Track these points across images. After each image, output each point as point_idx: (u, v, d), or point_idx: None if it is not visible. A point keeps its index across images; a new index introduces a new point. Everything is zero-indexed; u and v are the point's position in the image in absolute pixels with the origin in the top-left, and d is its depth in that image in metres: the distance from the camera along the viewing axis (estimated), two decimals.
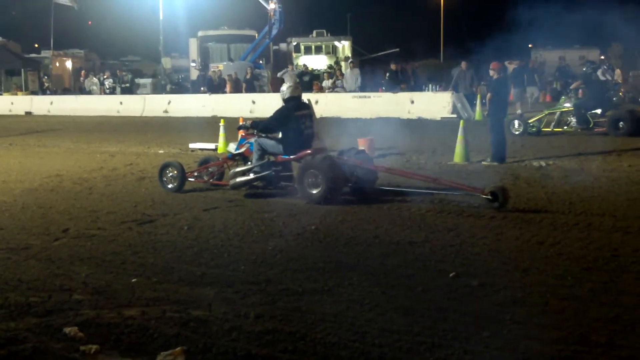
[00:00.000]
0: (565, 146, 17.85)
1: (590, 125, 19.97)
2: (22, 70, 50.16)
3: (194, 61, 47.31)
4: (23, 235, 9.68)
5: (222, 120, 19.83)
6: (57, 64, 55.56)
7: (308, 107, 12.68)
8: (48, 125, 31.15)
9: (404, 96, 30.09)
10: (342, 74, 35.88)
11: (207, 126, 25.79)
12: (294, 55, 50.27)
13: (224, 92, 35.54)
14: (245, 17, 52.68)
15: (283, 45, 51.85)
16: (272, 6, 42.23)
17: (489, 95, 16.04)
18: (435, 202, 11.33)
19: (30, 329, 6.02)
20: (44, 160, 18.12)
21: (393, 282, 7.24)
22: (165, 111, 34.91)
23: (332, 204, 11.28)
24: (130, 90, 42.60)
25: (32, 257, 8.53)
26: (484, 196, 10.74)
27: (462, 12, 75.45)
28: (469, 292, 6.88)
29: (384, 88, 33.15)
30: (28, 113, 39.11)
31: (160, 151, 19.54)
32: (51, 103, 39.81)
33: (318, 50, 51.87)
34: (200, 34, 48.05)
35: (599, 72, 21.71)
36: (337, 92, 34.17)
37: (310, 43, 52.22)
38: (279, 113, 12.44)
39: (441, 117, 27.54)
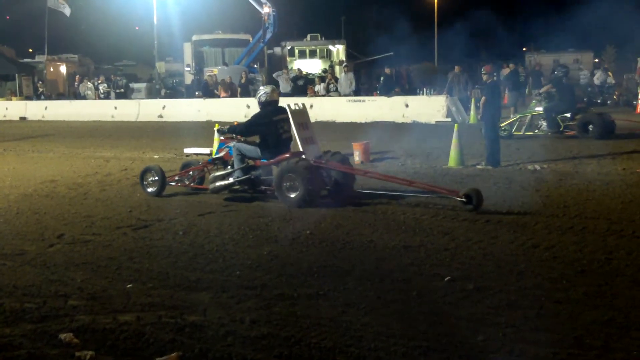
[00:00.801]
0: (559, 149, 17.88)
1: (561, 129, 20.37)
2: (17, 75, 50.17)
3: (188, 65, 47.27)
4: (18, 241, 9.66)
5: (216, 125, 19.79)
6: (52, 69, 55.60)
7: (285, 111, 12.84)
8: (42, 130, 31.13)
9: (398, 100, 30.16)
10: (334, 78, 35.89)
11: (201, 131, 25.76)
12: (289, 59, 50.27)
13: (219, 97, 35.55)
14: (240, 21, 52.83)
15: (277, 49, 51.87)
16: (266, 10, 42.23)
17: (483, 98, 16.05)
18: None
19: (26, 335, 6.02)
20: (39, 166, 18.10)
21: (388, 286, 7.25)
22: (160, 116, 34.91)
23: (310, 207, 11.39)
24: (124, 95, 42.58)
25: (27, 262, 8.52)
26: (458, 199, 10.88)
27: (456, 15, 75.59)
28: (464, 295, 6.89)
29: (378, 92, 33.22)
30: (22, 118, 39.06)
31: (155, 156, 19.53)
32: (45, 108, 39.76)
33: (312, 54, 51.87)
34: (194, 38, 48.02)
35: (595, 77, 21.89)
36: (331, 96, 34.20)
37: (304, 47, 52.21)
38: (256, 118, 12.56)
39: (436, 121, 27.58)
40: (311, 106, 27.10)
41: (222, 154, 12.91)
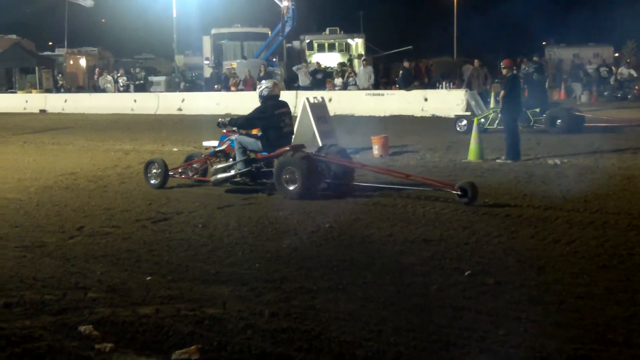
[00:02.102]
0: (580, 144, 17.77)
1: (531, 123, 20.77)
2: (37, 68, 50.36)
3: (207, 59, 47.33)
4: (38, 233, 9.70)
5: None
6: (71, 62, 55.79)
7: (286, 105, 12.97)
8: (62, 123, 31.28)
9: (417, 94, 30.10)
10: (354, 72, 35.89)
11: None
12: (307, 52, 50.26)
13: (241, 90, 35.55)
14: (259, 14, 52.78)
15: (296, 43, 51.88)
16: (285, 4, 42.17)
17: (502, 92, 15.98)
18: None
19: (45, 327, 6.03)
20: (59, 158, 18.18)
21: (408, 280, 7.22)
22: (179, 109, 34.96)
23: (308, 199, 11.52)
24: (144, 87, 42.66)
25: (47, 255, 8.55)
26: (454, 192, 10.99)
27: (475, 9, 75.36)
28: (485, 290, 6.85)
29: (397, 86, 33.15)
30: (42, 111, 39.25)
31: (175, 149, 19.57)
32: (65, 101, 39.94)
33: (331, 47, 51.85)
34: (213, 31, 48.06)
35: (619, 71, 21.90)
36: (350, 89, 34.16)
37: (323, 41, 52.20)
38: (258, 111, 12.68)
39: (455, 115, 27.46)
40: (330, 100, 27.05)
41: (224, 146, 13.08)
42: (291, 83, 40.46)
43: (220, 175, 12.62)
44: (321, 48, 51.62)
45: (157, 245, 8.91)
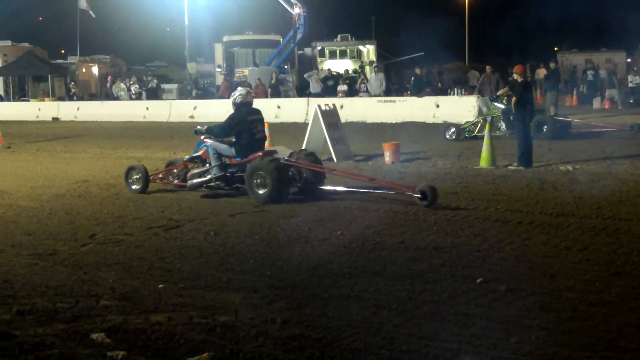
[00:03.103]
0: (591, 150, 17.72)
1: None
2: (49, 76, 50.54)
3: (219, 66, 47.43)
4: (50, 241, 9.74)
5: None
6: (84, 70, 55.95)
7: (259, 112, 13.39)
8: (75, 131, 31.39)
9: (429, 100, 30.04)
10: (366, 79, 35.91)
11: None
12: (319, 59, 50.32)
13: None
14: (270, 21, 52.84)
15: (308, 50, 51.95)
16: (296, 11, 42.24)
17: (514, 99, 15.96)
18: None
19: (58, 335, 6.05)
20: (71, 166, 18.24)
21: (420, 287, 7.21)
22: (191, 116, 34.99)
23: (278, 203, 11.89)
24: (156, 95, 42.76)
25: (59, 262, 8.58)
26: (414, 195, 11.30)
27: (487, 15, 75.28)
28: (497, 297, 6.84)
29: (409, 92, 33.13)
30: (55, 119, 39.41)
31: (187, 157, 19.54)
32: (78, 109, 40.09)
33: (343, 54, 51.90)
34: (225, 39, 48.19)
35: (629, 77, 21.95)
36: (361, 96, 34.17)
37: (334, 47, 52.24)
38: (231, 118, 13.06)
39: (467, 121, 27.42)
40: (341, 107, 27.07)
41: (200, 152, 13.49)
42: (303, 90, 40.50)
43: (196, 180, 13.05)
44: (333, 55, 51.67)
45: (169, 253, 8.93)
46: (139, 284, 7.61)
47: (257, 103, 35.60)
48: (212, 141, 13.13)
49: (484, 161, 15.80)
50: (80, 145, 24.23)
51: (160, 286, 7.50)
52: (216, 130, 13.13)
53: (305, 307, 6.69)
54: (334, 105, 19.09)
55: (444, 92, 34.29)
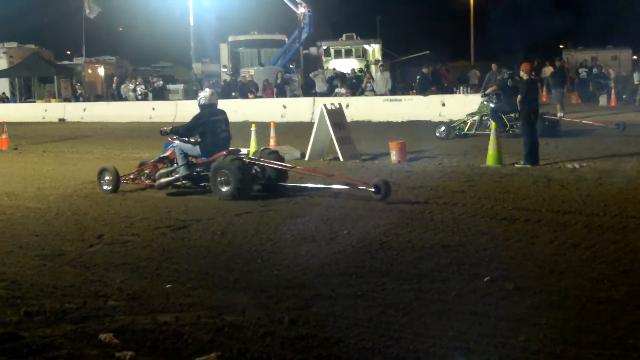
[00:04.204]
0: (598, 148, 17.70)
1: (507, 128, 21.00)
2: (55, 77, 50.64)
3: (224, 66, 47.46)
4: (58, 242, 9.75)
5: (253, 125, 19.86)
6: (90, 71, 56.02)
7: (223, 113, 13.75)
8: (81, 131, 31.44)
9: (435, 99, 30.02)
10: (371, 78, 35.92)
11: (238, 131, 25.79)
12: (324, 59, 50.37)
13: (261, 97, 35.68)
14: (275, 21, 52.91)
15: (313, 49, 51.97)
16: (301, 10, 42.25)
17: (519, 97, 15.95)
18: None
19: (66, 336, 6.06)
20: (78, 167, 18.27)
21: (427, 286, 7.21)
22: None
23: (241, 200, 12.26)
24: (162, 95, 42.78)
25: (67, 263, 8.60)
26: (370, 189, 11.80)
27: (492, 13, 75.10)
28: (504, 296, 6.84)
29: (414, 91, 33.11)
30: (61, 120, 39.51)
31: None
32: (84, 110, 40.18)
33: (348, 53, 51.92)
34: (230, 39, 48.25)
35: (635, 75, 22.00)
36: (367, 95, 34.17)
37: (340, 47, 52.29)
38: (196, 118, 13.49)
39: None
40: (347, 106, 27.04)
41: (168, 153, 13.90)
42: (308, 89, 40.52)
43: (163, 180, 13.44)
44: (338, 54, 51.71)
45: (176, 253, 8.95)
46: (147, 284, 7.62)
47: (264, 103, 35.79)
48: (178, 142, 13.53)
49: (490, 159, 15.78)
50: (86, 146, 24.26)
51: (167, 286, 7.51)
52: (181, 130, 13.54)
53: (313, 306, 6.70)
54: (339, 104, 19.07)
55: (449, 90, 34.26)
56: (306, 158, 17.81)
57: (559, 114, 26.22)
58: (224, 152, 12.92)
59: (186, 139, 13.54)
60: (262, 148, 14.03)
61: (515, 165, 15.44)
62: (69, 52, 66.19)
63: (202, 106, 13.60)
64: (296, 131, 24.52)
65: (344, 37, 53.01)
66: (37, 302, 6.98)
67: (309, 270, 7.96)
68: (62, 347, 5.80)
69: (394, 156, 16.85)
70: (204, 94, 13.91)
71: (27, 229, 10.65)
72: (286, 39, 46.08)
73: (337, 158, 17.33)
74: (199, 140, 13.43)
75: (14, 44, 52.85)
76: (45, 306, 6.84)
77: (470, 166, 15.74)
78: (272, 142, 19.73)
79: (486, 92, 22.68)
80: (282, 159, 13.57)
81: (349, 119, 19.73)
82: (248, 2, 56.12)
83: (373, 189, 11.74)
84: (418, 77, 32.88)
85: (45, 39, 64.14)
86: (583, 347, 5.52)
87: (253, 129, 19.57)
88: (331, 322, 6.24)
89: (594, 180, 13.14)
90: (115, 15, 61.93)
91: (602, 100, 34.76)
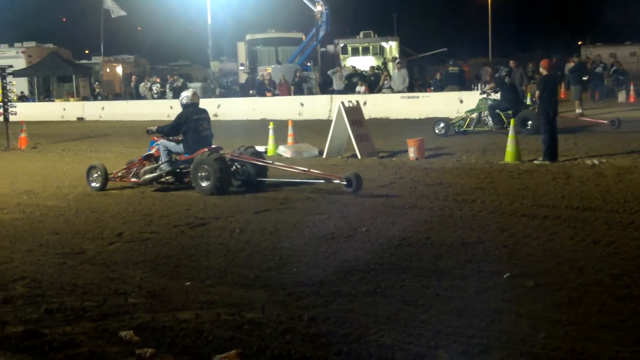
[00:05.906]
0: (617, 144, 17.60)
1: (505, 125, 20.86)
2: (74, 76, 50.82)
3: (242, 64, 47.53)
4: (77, 240, 9.80)
5: (271, 123, 19.88)
6: (108, 70, 56.20)
7: (205, 112, 14.24)
8: (100, 130, 31.59)
9: (453, 96, 29.96)
10: (389, 75, 35.90)
11: (256, 129, 25.87)
12: (342, 56, 50.35)
13: (276, 95, 35.72)
14: (292, 19, 52.99)
15: (330, 47, 51.96)
16: (318, 8, 42.25)
17: (537, 93, 15.90)
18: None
19: (86, 333, 6.10)
20: None
21: (446, 283, 7.19)
22: (215, 115, 34.87)
23: (220, 194, 12.78)
24: (179, 94, 42.81)
25: (86, 261, 8.64)
26: (342, 182, 12.38)
27: (510, 9, 74.86)
28: (524, 293, 6.81)
29: (432, 88, 33.03)
30: (80, 119, 39.67)
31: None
32: (102, 108, 40.33)
33: (365, 51, 51.88)
34: (248, 37, 48.31)
35: None
36: (384, 92, 34.15)
37: (357, 44, 52.25)
38: (179, 117, 13.99)
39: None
40: (365, 103, 27.01)
41: (153, 150, 14.31)
42: (326, 87, 40.52)
43: (147, 176, 13.87)
44: (355, 52, 51.66)
45: (196, 251, 8.97)
46: (166, 282, 7.65)
47: (281, 101, 35.80)
48: (163, 140, 13.99)
49: (509, 156, 15.73)
50: (105, 144, 24.38)
51: (187, 284, 7.53)
52: (166, 129, 14.03)
53: (332, 303, 6.70)
54: (357, 102, 19.07)
55: (467, 87, 34.18)
56: (324, 155, 17.81)
57: (578, 110, 26.14)
58: (206, 149, 13.41)
59: (171, 137, 13.96)
60: (239, 146, 14.35)
61: (534, 161, 15.39)
62: (87, 51, 66.55)
63: (184, 105, 14.09)
64: (314, 129, 24.54)
65: (361, 35, 52.97)
66: (57, 300, 7.02)
67: (328, 267, 7.96)
68: (82, 345, 5.83)
69: (412, 153, 16.82)
70: (186, 93, 14.47)
71: (47, 228, 10.71)
72: (303, 37, 46.08)
73: (355, 155, 17.32)
74: (181, 138, 13.86)
75: (33, 44, 53.03)
76: (66, 304, 6.88)
77: (488, 163, 15.68)
78: (289, 140, 19.77)
79: (485, 89, 22.84)
80: (259, 155, 14.11)
81: (366, 117, 19.69)
82: (265, 0, 56.26)
83: (345, 182, 12.27)
84: (438, 74, 32.77)
85: (64, 38, 64.58)
86: (604, 344, 5.50)
87: (271, 126, 19.59)
88: (350, 318, 6.23)
89: (614, 177, 13.06)
90: (134, 14, 62.06)
91: (621, 96, 34.55)
